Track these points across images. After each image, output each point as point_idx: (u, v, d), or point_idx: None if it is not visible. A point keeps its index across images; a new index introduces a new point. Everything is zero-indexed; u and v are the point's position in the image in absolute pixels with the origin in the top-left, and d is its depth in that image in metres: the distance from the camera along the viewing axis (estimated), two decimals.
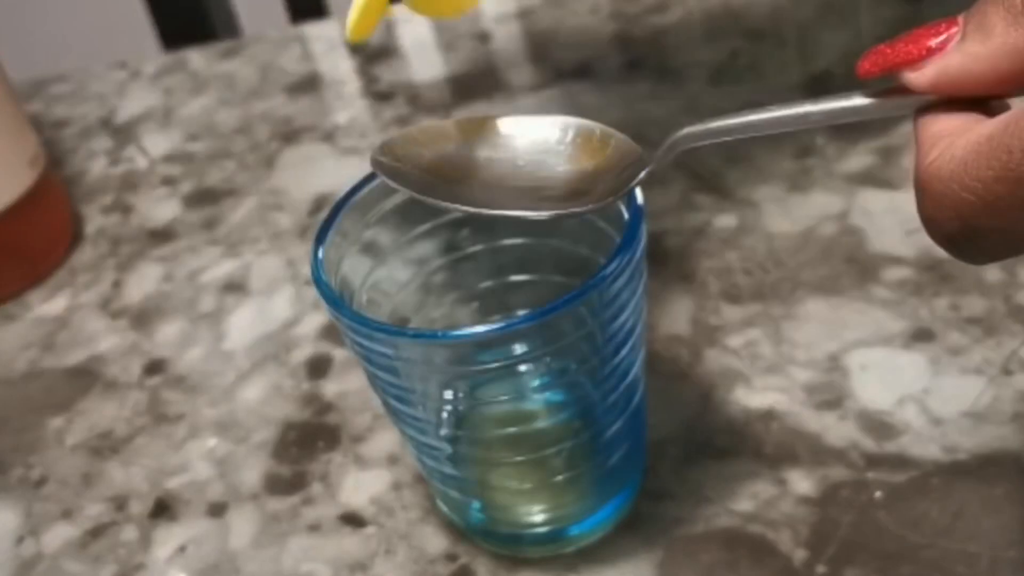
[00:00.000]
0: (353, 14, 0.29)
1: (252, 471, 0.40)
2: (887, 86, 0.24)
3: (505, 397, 0.32)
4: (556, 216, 0.28)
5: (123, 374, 0.45)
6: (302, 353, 0.44)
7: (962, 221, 0.22)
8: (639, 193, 0.30)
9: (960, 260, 0.23)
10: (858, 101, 0.25)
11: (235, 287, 0.49)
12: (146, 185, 0.57)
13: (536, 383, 0.32)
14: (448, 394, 0.33)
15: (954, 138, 0.22)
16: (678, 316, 0.42)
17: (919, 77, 0.23)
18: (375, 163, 0.30)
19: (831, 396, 0.37)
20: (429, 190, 0.29)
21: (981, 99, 0.23)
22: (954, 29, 0.23)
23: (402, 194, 0.31)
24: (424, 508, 0.37)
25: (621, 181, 0.29)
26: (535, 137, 0.30)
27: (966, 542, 0.32)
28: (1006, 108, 0.22)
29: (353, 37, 0.29)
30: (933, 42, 0.23)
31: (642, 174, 0.28)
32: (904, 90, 0.24)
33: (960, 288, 0.40)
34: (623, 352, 0.31)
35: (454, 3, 0.30)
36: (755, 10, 0.59)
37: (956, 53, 0.23)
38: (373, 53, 0.64)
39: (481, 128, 0.31)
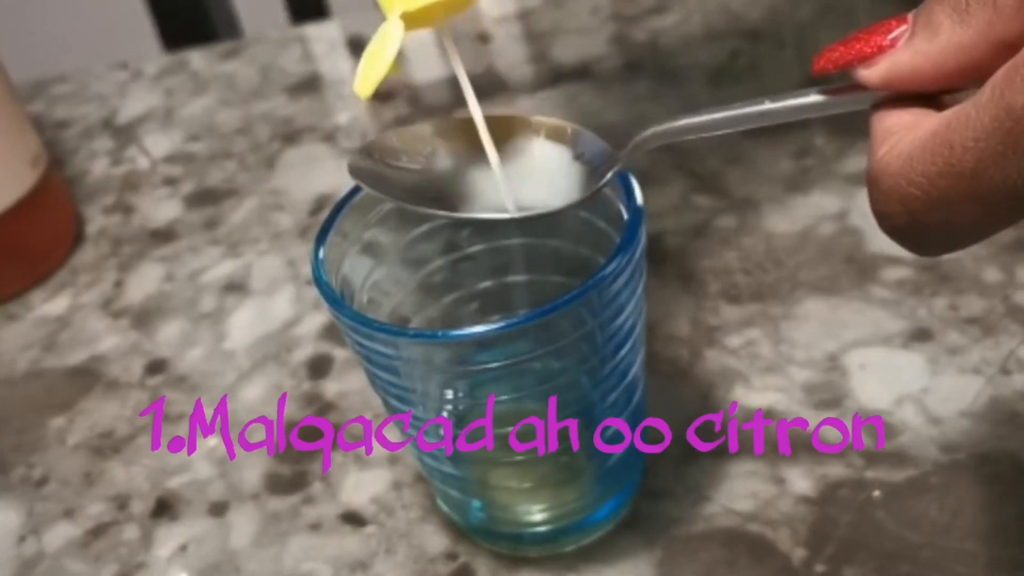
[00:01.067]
0: (366, 71, 0.28)
1: (253, 471, 0.40)
2: (844, 83, 0.25)
3: (505, 397, 0.33)
4: (527, 217, 0.29)
5: (124, 374, 0.46)
6: (302, 353, 0.44)
7: (910, 215, 0.22)
8: (638, 193, 0.30)
9: (911, 252, 0.24)
10: (815, 98, 0.26)
11: (236, 287, 0.49)
12: (147, 185, 0.57)
13: (536, 383, 0.32)
14: (448, 394, 0.33)
15: (904, 133, 0.23)
16: (678, 316, 0.42)
17: (871, 74, 0.24)
18: (352, 169, 0.29)
19: (830, 396, 0.37)
20: (405, 194, 0.29)
21: (933, 94, 0.23)
22: (903, 27, 0.23)
23: None
24: (424, 507, 0.37)
25: (591, 180, 0.29)
26: (507, 136, 0.30)
27: (964, 541, 0.32)
28: (957, 103, 0.22)
29: (362, 92, 0.28)
30: (884, 40, 0.23)
31: (609, 174, 0.29)
32: (859, 86, 0.24)
33: (958, 288, 0.40)
34: (623, 352, 0.31)
35: (441, 11, 0.29)
36: (754, 11, 0.59)
37: (905, 51, 0.23)
38: None
39: (454, 129, 0.31)
